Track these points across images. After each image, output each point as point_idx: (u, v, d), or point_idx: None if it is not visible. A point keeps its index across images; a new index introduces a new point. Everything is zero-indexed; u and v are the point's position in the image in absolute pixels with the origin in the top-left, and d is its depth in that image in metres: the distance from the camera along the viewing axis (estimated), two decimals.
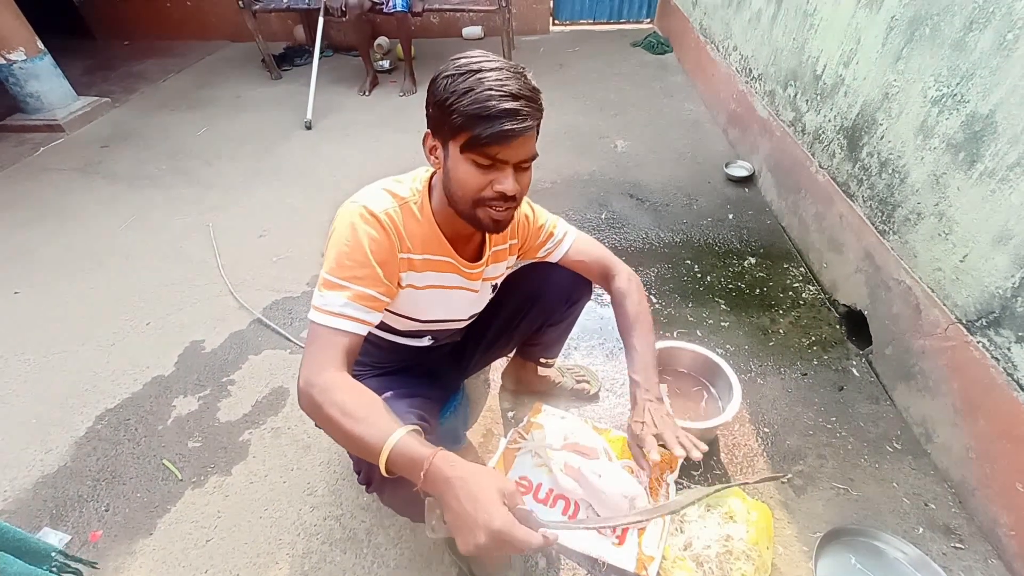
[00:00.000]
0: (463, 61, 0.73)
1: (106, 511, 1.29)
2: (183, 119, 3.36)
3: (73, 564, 1.00)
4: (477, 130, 0.71)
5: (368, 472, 0.82)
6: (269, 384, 1.60)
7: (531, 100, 0.72)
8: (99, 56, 4.44)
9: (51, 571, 0.96)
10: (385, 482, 0.81)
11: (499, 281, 1.09)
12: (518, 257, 1.09)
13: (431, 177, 0.89)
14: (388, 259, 0.82)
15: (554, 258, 1.09)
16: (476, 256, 0.97)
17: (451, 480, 0.62)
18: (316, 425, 1.10)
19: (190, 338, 1.77)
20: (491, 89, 0.70)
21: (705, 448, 0.97)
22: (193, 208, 2.47)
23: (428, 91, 0.77)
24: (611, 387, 1.55)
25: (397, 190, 0.86)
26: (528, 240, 1.05)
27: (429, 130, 0.80)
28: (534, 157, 0.78)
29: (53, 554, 1.00)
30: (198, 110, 3.48)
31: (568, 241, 1.08)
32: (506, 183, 0.75)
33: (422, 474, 0.63)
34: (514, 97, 0.70)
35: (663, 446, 0.99)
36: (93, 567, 1.08)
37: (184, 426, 1.49)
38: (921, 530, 1.20)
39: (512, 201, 0.78)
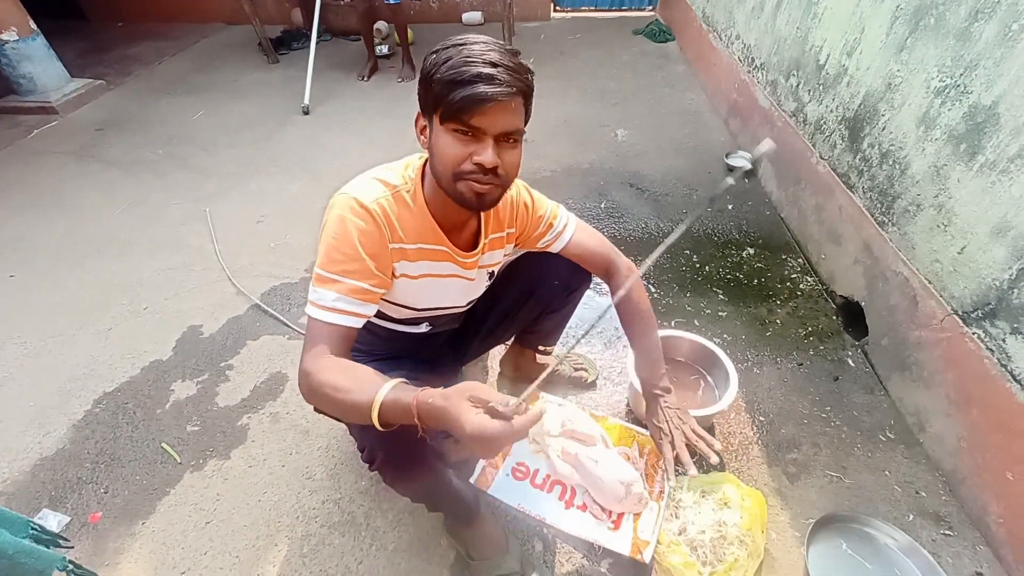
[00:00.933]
0: (452, 39, 0.74)
1: (105, 493, 1.30)
2: (179, 103, 3.33)
3: (47, 536, 1.01)
4: (452, 95, 0.71)
5: (372, 450, 0.83)
6: (267, 369, 1.60)
7: (511, 69, 0.72)
8: (92, 38, 4.37)
9: (29, 539, 0.97)
10: (387, 460, 0.82)
11: (496, 269, 1.08)
12: (517, 246, 1.09)
13: (424, 165, 0.88)
14: (379, 251, 0.82)
15: (554, 249, 1.08)
16: (472, 244, 0.97)
17: (434, 411, 0.64)
18: (316, 410, 1.11)
19: (188, 323, 1.77)
20: (469, 57, 0.71)
21: (718, 447, 1.06)
22: (190, 194, 2.45)
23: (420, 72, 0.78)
24: (608, 375, 1.56)
25: (388, 178, 0.85)
26: (527, 230, 1.04)
27: (420, 110, 0.80)
28: (518, 131, 0.77)
29: (31, 528, 1.01)
30: (194, 94, 3.44)
31: (568, 233, 1.07)
32: (484, 154, 0.74)
33: (416, 420, 0.66)
34: (492, 64, 0.71)
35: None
36: (66, 542, 1.08)
37: (183, 410, 1.49)
38: (912, 517, 1.22)
39: (495, 176, 0.76)
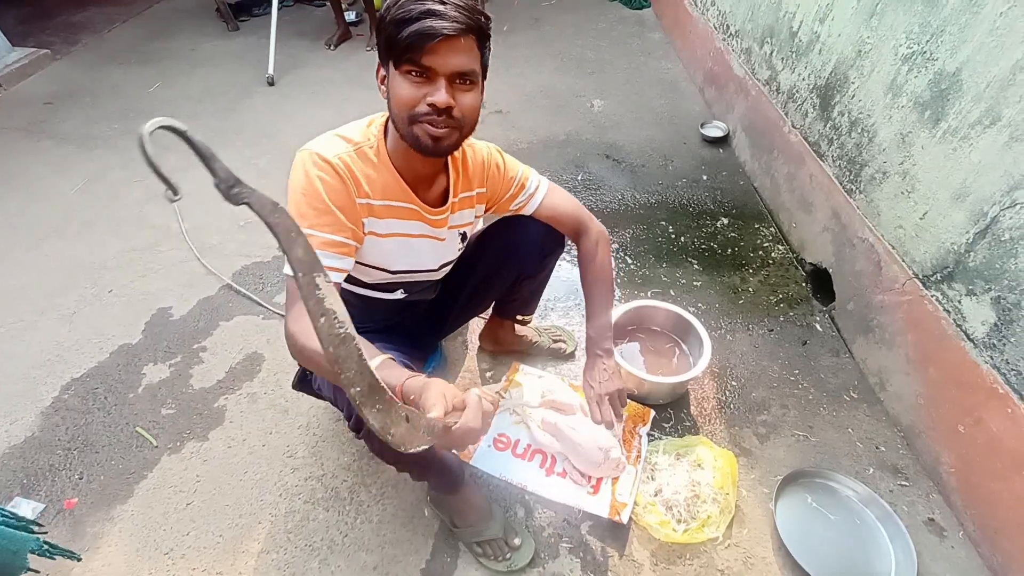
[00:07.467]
0: None
1: (80, 479, 1.28)
2: (134, 74, 3.14)
3: (19, 522, 0.99)
4: (401, 33, 0.71)
5: (358, 419, 0.83)
6: (243, 350, 1.58)
7: (462, 7, 0.72)
8: (33, 3, 4.06)
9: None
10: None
11: (467, 230, 1.08)
12: (489, 209, 1.09)
13: (387, 121, 0.87)
14: (346, 204, 0.81)
15: (527, 211, 1.09)
16: (441, 203, 0.96)
17: (415, 404, 0.65)
18: (294, 387, 1.11)
19: (157, 305, 1.72)
20: None
21: (614, 423, 1.09)
22: (151, 171, 2.34)
23: None
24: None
25: (350, 134, 0.85)
26: (499, 191, 1.04)
27: (379, 60, 0.80)
28: (473, 73, 0.77)
29: (2, 515, 0.99)
30: (150, 64, 3.25)
31: (540, 194, 1.08)
32: (437, 95, 0.74)
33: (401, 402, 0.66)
34: (441, 2, 0.71)
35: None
36: (39, 526, 1.06)
37: (156, 394, 1.46)
38: (872, 471, 1.29)
39: (450, 118, 0.77)
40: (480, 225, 1.19)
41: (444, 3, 0.71)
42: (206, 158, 0.38)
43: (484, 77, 0.81)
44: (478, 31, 0.75)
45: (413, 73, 0.74)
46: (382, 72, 0.81)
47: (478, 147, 1.00)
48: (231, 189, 0.39)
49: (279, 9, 3.18)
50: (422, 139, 0.78)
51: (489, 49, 0.81)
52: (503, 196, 1.05)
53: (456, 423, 0.63)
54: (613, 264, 1.16)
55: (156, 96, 2.93)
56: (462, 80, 0.76)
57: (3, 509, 0.98)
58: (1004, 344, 1.07)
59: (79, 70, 3.20)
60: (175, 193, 0.39)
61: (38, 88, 3.01)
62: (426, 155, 0.82)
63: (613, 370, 1.10)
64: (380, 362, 0.70)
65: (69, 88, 3.00)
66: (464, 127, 0.80)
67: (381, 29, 0.75)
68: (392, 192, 0.87)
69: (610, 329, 1.13)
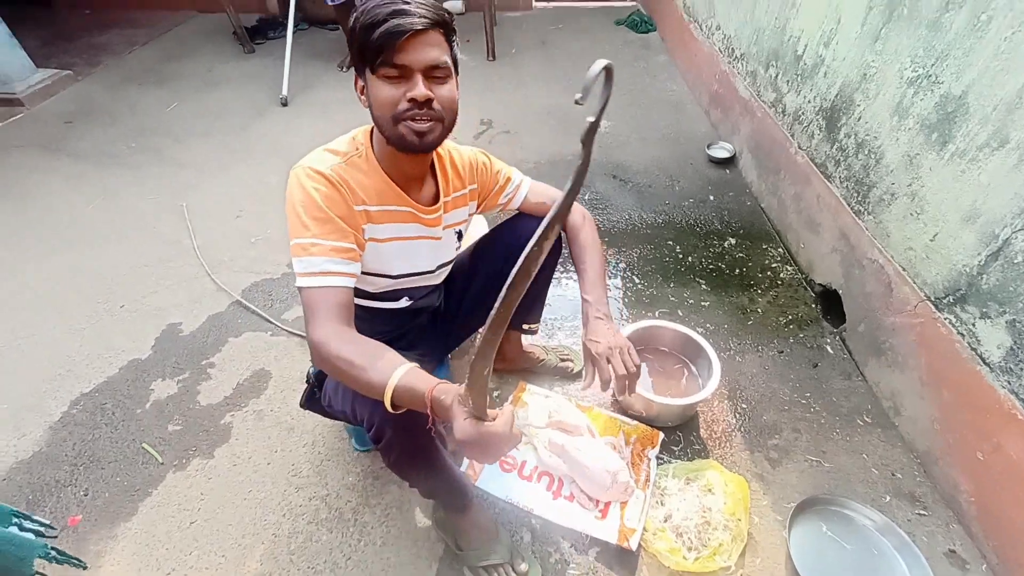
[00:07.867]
0: None
1: (85, 495, 1.27)
2: (151, 94, 3.23)
3: (31, 525, 0.99)
4: (371, 37, 0.74)
5: (380, 428, 0.84)
6: (251, 367, 1.58)
7: (424, 4, 0.76)
8: (58, 26, 4.20)
9: (15, 528, 0.95)
10: (395, 439, 0.85)
11: (462, 228, 1.11)
12: (481, 204, 1.12)
13: (372, 130, 0.91)
14: (345, 212, 0.84)
15: (516, 203, 1.14)
16: (432, 202, 0.99)
17: (443, 412, 0.68)
18: (302, 406, 1.10)
19: (167, 321, 1.73)
20: (382, 2, 0.75)
21: (626, 391, 1.02)
22: (165, 187, 2.39)
23: None
24: None
25: (337, 147, 0.89)
26: (488, 185, 1.09)
27: (356, 73, 0.83)
28: (445, 64, 0.80)
29: (15, 517, 0.99)
30: (167, 85, 3.34)
31: (526, 186, 1.14)
32: (416, 89, 0.77)
33: (428, 411, 0.69)
34: (404, 2, 0.75)
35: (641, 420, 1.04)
36: (51, 529, 1.05)
37: (163, 410, 1.46)
38: (888, 498, 1.26)
39: (431, 110, 0.79)
40: (481, 226, 1.20)
41: (408, 2, 0.75)
42: (604, 101, 0.45)
43: (456, 72, 0.85)
44: (444, 24, 0.79)
45: (389, 75, 0.77)
46: (360, 83, 0.84)
47: (463, 150, 1.05)
48: (591, 134, 0.46)
49: (294, 32, 3.28)
50: (407, 136, 0.80)
51: (456, 43, 0.84)
52: (492, 189, 1.10)
53: (489, 423, 0.67)
54: (599, 239, 1.17)
55: (172, 115, 3.00)
56: (435, 73, 0.79)
57: (16, 511, 0.98)
58: (1022, 369, 1.05)
59: (99, 90, 3.29)
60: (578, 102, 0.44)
61: (59, 107, 3.10)
62: (413, 152, 0.84)
63: (616, 330, 1.05)
64: (407, 369, 0.71)
65: (88, 107, 3.08)
66: (445, 119, 0.83)
67: (353, 40, 0.78)
68: (387, 196, 0.90)
69: (606, 293, 1.10)
